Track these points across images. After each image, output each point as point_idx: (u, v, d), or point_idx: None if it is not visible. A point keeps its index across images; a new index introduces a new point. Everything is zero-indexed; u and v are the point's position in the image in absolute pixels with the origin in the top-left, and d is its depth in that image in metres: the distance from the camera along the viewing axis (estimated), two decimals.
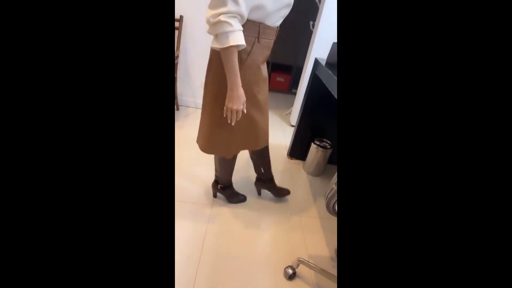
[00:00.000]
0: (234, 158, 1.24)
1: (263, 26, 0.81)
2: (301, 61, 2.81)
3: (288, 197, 1.53)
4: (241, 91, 0.81)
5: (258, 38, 0.82)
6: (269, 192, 1.49)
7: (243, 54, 0.83)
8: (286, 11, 0.87)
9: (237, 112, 0.84)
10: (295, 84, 2.89)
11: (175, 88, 2.18)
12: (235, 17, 0.68)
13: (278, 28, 0.92)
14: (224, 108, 0.85)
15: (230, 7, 0.65)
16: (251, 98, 0.93)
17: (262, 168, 1.34)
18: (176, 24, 1.95)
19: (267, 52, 0.92)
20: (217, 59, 0.83)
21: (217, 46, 0.71)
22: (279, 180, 1.68)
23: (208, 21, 0.69)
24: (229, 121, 0.87)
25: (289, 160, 1.94)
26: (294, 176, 1.78)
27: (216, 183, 1.36)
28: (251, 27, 0.78)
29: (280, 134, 2.27)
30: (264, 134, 1.11)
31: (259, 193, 1.48)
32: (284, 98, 2.98)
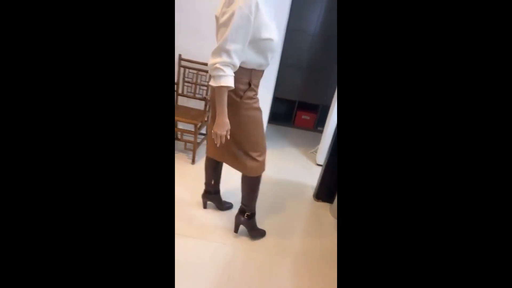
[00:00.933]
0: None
1: (254, 72, 1.05)
2: (327, 99, 2.83)
3: (314, 242, 1.40)
4: (226, 120, 1.01)
5: (250, 81, 1.07)
6: (288, 232, 1.40)
7: (240, 94, 1.06)
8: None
9: (221, 136, 1.03)
10: (321, 121, 2.88)
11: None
12: (227, 65, 0.91)
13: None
14: (212, 132, 1.05)
15: (225, 58, 0.89)
16: (254, 124, 1.15)
17: (213, 181, 1.46)
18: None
19: (256, 91, 1.14)
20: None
21: (213, 84, 0.94)
22: (303, 224, 1.58)
23: (209, 65, 0.93)
24: (216, 143, 1.07)
25: (315, 202, 1.83)
26: (321, 220, 1.66)
27: (241, 213, 1.35)
28: (245, 73, 1.03)
29: (305, 173, 2.19)
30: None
31: (205, 206, 1.55)
32: (309, 136, 2.96)
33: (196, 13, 1.95)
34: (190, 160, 2.00)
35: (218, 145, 1.07)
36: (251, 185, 1.28)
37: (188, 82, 2.06)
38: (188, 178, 1.80)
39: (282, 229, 1.50)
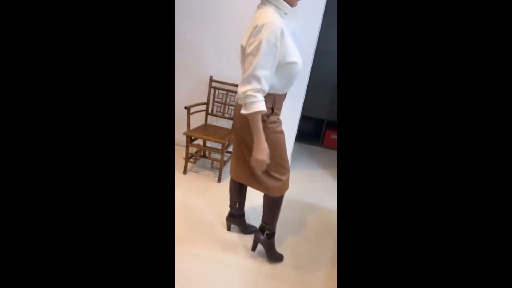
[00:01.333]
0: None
1: (277, 96, 1.08)
2: None
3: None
4: (265, 144, 1.01)
5: (274, 106, 1.09)
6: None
7: (264, 118, 1.09)
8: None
9: (261, 162, 1.02)
10: None
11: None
12: (258, 91, 0.94)
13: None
14: (252, 159, 1.04)
15: (255, 85, 0.93)
16: (278, 144, 1.15)
17: (237, 204, 1.44)
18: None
19: (278, 114, 1.17)
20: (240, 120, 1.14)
21: (245, 112, 0.96)
22: (327, 255, 1.49)
23: (239, 95, 0.97)
24: (256, 171, 1.09)
25: None
26: None
27: (261, 231, 1.33)
28: (269, 98, 1.05)
29: (332, 197, 2.09)
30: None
31: (229, 229, 1.53)
32: None
33: (227, 37, 2.06)
34: (216, 178, 2.04)
35: (259, 172, 1.09)
36: (273, 204, 1.27)
37: (218, 102, 2.15)
38: (214, 196, 1.84)
39: (302, 258, 1.44)
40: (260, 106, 0.94)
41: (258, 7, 0.99)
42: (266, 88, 0.95)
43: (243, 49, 1.02)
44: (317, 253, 1.49)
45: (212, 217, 1.63)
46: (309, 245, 1.55)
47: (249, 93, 0.92)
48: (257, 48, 0.89)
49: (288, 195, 1.26)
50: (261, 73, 0.91)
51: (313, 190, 2.16)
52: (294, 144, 3.03)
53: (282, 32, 0.91)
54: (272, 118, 1.09)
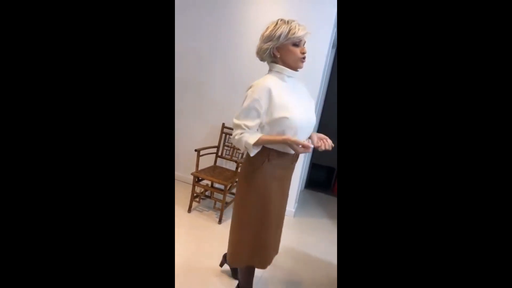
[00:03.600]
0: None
1: (273, 151, 1.05)
2: None
3: None
4: (283, 139, 0.98)
5: (268, 159, 1.06)
6: None
7: (254, 168, 1.07)
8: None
9: (304, 146, 0.96)
10: None
11: None
12: (244, 131, 1.02)
13: (297, 155, 1.11)
14: (296, 152, 1.03)
15: (239, 130, 1.02)
16: (261, 211, 1.08)
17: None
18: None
19: (279, 172, 1.10)
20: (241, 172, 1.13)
21: (243, 149, 1.05)
22: None
23: (232, 141, 1.09)
24: (323, 147, 1.07)
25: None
26: None
27: None
28: (263, 150, 1.05)
29: (334, 250, 1.98)
30: (270, 254, 1.18)
31: (221, 265, 1.51)
32: None
33: (239, 93, 2.32)
34: (218, 219, 2.08)
35: (325, 147, 1.06)
36: (240, 271, 1.25)
37: (228, 146, 2.32)
38: (213, 238, 1.86)
39: None
40: (248, 137, 0.99)
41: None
42: (248, 128, 1.01)
43: None
44: None
45: (207, 262, 1.64)
46: None
47: (236, 137, 1.02)
48: (243, 102, 1.02)
49: (288, 245, 1.23)
50: (241, 122, 1.00)
51: (316, 241, 2.07)
52: (305, 190, 3.02)
53: (269, 91, 0.98)
54: (266, 166, 1.06)
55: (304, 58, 1.02)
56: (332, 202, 2.82)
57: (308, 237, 2.11)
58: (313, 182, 3.13)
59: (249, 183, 1.08)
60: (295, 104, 1.01)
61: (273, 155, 1.05)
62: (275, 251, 1.22)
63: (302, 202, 2.68)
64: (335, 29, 2.19)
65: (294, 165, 1.17)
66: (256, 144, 0.99)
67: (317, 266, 1.77)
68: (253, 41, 1.05)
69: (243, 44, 2.28)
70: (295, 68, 1.04)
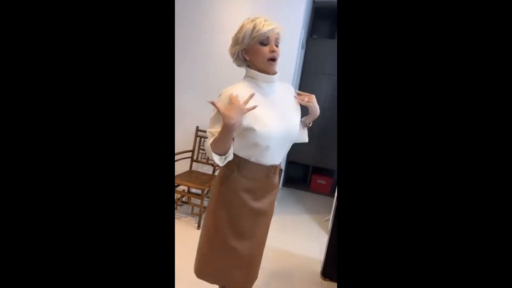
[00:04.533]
0: None
1: (243, 161, 0.93)
2: None
3: None
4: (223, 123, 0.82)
5: (238, 168, 0.94)
6: None
7: (223, 177, 0.96)
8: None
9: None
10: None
11: None
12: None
13: (275, 167, 0.97)
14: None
15: (209, 139, 0.89)
16: (230, 222, 0.96)
17: None
18: None
19: (252, 184, 0.96)
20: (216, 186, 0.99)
21: (211, 157, 0.90)
22: None
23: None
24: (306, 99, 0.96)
25: (322, 281, 1.65)
26: None
27: None
28: (234, 159, 0.93)
29: (315, 245, 2.04)
30: (253, 271, 1.03)
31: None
32: (325, 202, 2.84)
33: (213, 90, 2.29)
34: (196, 225, 2.03)
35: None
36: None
37: (203, 149, 2.28)
38: (192, 243, 1.81)
39: None
40: (211, 142, 0.88)
41: None
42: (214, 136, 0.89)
43: None
44: None
45: (186, 267, 1.59)
46: None
47: (207, 146, 0.89)
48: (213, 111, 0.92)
49: (268, 243, 1.14)
50: (209, 130, 0.91)
51: (296, 237, 2.11)
52: (283, 188, 3.06)
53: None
54: (236, 176, 0.94)
55: (273, 58, 0.86)
56: (310, 198, 2.90)
57: (289, 235, 2.14)
58: (290, 180, 3.19)
59: (217, 194, 0.98)
60: (268, 113, 0.89)
61: (244, 165, 0.93)
62: (250, 277, 1.04)
63: (281, 201, 2.72)
64: (303, 31, 2.25)
65: (274, 179, 1.00)
66: (213, 145, 0.85)
67: (300, 263, 1.81)
68: (225, 44, 0.96)
69: (214, 47, 2.26)
70: (267, 71, 0.89)
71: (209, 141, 0.88)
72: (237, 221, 0.96)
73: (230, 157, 0.88)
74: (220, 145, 0.85)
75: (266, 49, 0.86)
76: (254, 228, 1.00)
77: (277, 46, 0.87)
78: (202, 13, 2.24)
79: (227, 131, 0.81)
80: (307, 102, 0.97)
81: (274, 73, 0.91)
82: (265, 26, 0.83)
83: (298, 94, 0.99)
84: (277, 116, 0.91)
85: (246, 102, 0.82)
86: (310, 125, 1.05)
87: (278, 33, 0.86)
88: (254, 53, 0.87)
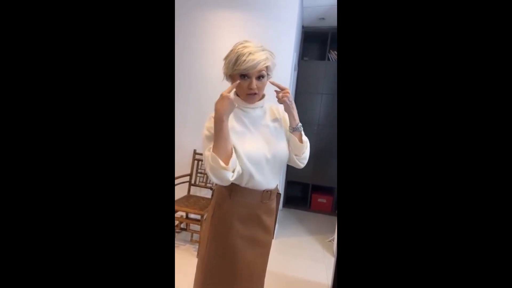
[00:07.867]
0: None
1: (235, 186, 0.89)
2: None
3: None
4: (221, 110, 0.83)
5: (230, 195, 0.91)
6: None
7: (215, 206, 0.93)
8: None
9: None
10: None
11: None
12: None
13: (270, 191, 0.94)
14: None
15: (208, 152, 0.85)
16: (224, 254, 0.91)
17: None
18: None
19: (246, 211, 0.92)
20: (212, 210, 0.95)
21: (208, 171, 0.85)
22: None
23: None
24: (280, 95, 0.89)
25: None
26: None
27: None
28: (225, 186, 0.89)
29: (321, 267, 1.96)
30: None
31: None
32: (327, 221, 2.77)
33: (207, 113, 2.31)
34: (196, 253, 1.95)
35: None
36: None
37: (201, 173, 2.25)
38: (192, 272, 1.72)
39: None
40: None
41: None
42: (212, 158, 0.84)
43: None
44: None
45: None
46: None
47: (204, 163, 0.87)
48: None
49: (270, 268, 1.11)
50: (204, 147, 0.89)
51: (299, 260, 2.03)
52: (283, 209, 3.00)
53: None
54: (228, 204, 0.90)
55: (253, 94, 0.85)
56: (311, 218, 2.83)
57: (292, 258, 2.06)
58: (290, 200, 3.14)
59: (210, 225, 0.94)
60: (249, 137, 0.89)
61: (235, 191, 0.89)
62: None
63: (281, 222, 2.65)
64: (295, 54, 2.34)
65: (270, 205, 0.96)
66: (215, 148, 0.81)
67: None
68: (218, 68, 0.97)
69: (208, 69, 2.32)
70: (246, 101, 0.89)
71: (209, 158, 0.82)
72: (232, 253, 0.91)
73: (238, 168, 0.83)
74: (220, 144, 0.82)
75: (246, 83, 0.85)
76: (251, 259, 0.94)
77: (262, 77, 0.85)
78: (197, 39, 2.33)
79: (219, 121, 0.82)
80: (282, 97, 0.88)
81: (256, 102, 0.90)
82: (246, 63, 0.81)
83: (276, 92, 0.92)
84: (258, 140, 0.89)
85: (229, 90, 0.82)
86: (298, 125, 0.94)
87: (264, 66, 0.84)
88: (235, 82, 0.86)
